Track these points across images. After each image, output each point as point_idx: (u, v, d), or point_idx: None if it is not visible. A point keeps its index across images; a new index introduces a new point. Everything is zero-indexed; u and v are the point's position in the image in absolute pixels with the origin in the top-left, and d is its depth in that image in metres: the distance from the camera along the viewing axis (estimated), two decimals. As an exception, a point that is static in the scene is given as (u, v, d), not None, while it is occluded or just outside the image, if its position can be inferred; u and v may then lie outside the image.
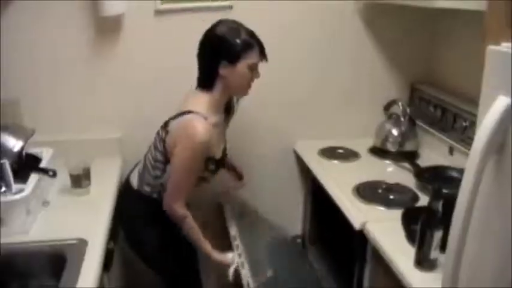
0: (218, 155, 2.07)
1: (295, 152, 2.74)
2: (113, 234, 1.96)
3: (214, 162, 2.04)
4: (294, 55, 2.59)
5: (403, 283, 1.56)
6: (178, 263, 2.18)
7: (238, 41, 1.89)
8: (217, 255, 2.05)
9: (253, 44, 1.92)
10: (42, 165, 2.04)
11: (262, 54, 1.96)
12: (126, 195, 2.15)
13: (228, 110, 2.14)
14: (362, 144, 2.65)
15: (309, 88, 2.67)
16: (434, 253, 1.54)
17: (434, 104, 2.51)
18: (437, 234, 1.51)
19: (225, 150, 2.15)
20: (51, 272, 1.71)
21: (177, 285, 2.21)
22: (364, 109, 2.73)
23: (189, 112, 1.90)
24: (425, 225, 1.54)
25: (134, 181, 2.09)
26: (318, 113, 2.72)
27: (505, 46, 1.05)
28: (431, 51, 2.68)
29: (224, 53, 1.90)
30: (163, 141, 1.94)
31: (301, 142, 2.72)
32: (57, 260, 1.66)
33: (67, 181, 2.11)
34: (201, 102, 1.95)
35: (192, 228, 2.02)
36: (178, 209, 1.97)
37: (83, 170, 2.10)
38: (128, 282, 2.62)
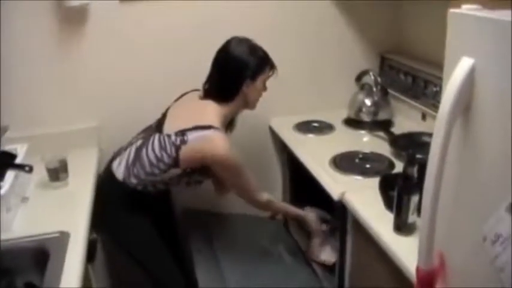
0: None
1: (270, 129, 2.76)
2: (94, 225, 1.96)
3: None
4: (263, 31, 2.58)
5: (383, 249, 1.60)
6: (163, 257, 2.17)
7: (258, 58, 2.04)
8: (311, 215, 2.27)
9: (268, 59, 2.07)
10: (18, 161, 2.01)
11: (274, 69, 2.11)
12: (108, 186, 2.12)
13: (230, 124, 2.20)
14: (336, 117, 2.67)
15: (279, 64, 2.66)
16: (412, 217, 1.57)
17: (404, 72, 2.54)
18: (414, 199, 1.54)
19: None
20: (35, 267, 1.70)
21: (162, 281, 2.20)
22: (336, 81, 2.74)
23: (210, 127, 1.94)
24: (402, 191, 1.57)
25: (119, 172, 2.06)
26: (291, 88, 2.72)
27: (465, 8, 1.07)
28: (399, 19, 2.70)
29: (250, 68, 2.01)
30: (178, 148, 1.94)
31: (276, 118, 2.73)
32: (41, 255, 1.66)
33: (44, 175, 2.09)
34: (216, 114, 2.02)
35: (279, 204, 2.27)
36: (260, 200, 2.14)
37: (59, 163, 2.09)
38: (113, 272, 2.62)
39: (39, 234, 1.74)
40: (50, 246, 1.67)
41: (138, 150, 2.03)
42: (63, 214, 1.89)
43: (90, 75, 2.42)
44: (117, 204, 2.09)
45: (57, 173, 2.09)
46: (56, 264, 1.58)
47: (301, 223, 2.35)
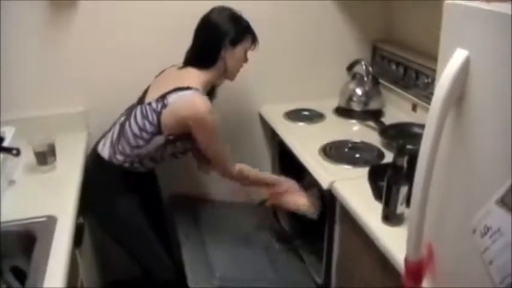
0: None
1: (260, 116, 2.75)
2: (82, 209, 1.95)
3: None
4: (253, 18, 2.56)
5: (371, 239, 1.60)
6: (150, 242, 2.17)
7: (241, 24, 2.03)
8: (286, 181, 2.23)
9: (249, 29, 2.06)
10: (5, 144, 1.99)
11: (256, 42, 2.08)
12: (95, 167, 2.12)
13: (210, 94, 2.16)
14: (327, 106, 2.67)
15: (271, 52, 2.65)
16: (400, 208, 1.57)
17: (396, 62, 2.54)
18: (403, 190, 1.55)
19: None
20: (22, 252, 1.69)
21: (150, 266, 2.21)
22: (328, 70, 2.74)
23: (188, 88, 1.93)
24: (391, 181, 1.57)
25: (104, 151, 2.06)
26: (282, 76, 2.71)
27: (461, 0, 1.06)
28: (391, 9, 2.69)
29: (230, 34, 1.99)
30: (159, 113, 1.93)
31: (266, 106, 2.72)
32: (28, 239, 1.65)
33: (32, 159, 2.07)
34: (197, 78, 2.00)
35: (251, 171, 2.17)
36: (232, 172, 2.10)
37: (47, 147, 2.07)
38: (100, 256, 2.62)
39: (26, 218, 1.72)
40: (37, 231, 1.66)
41: (122, 126, 2.04)
42: (50, 198, 1.87)
43: (78, 59, 2.39)
44: (103, 186, 2.09)
45: (45, 156, 2.07)
46: (43, 248, 1.57)
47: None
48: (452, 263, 1.17)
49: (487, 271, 1.01)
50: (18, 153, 1.94)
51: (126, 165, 2.03)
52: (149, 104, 1.97)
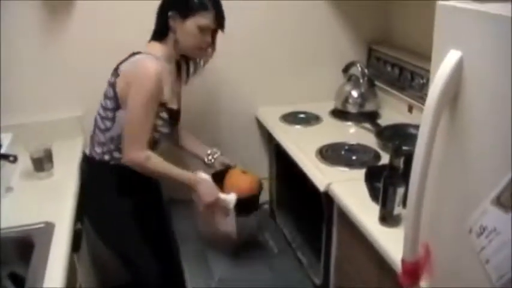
0: (172, 104, 2.05)
1: (257, 119, 2.75)
2: (80, 215, 1.95)
3: (167, 111, 2.00)
4: (250, 20, 2.58)
5: (369, 240, 1.61)
6: (137, 245, 2.11)
7: None
8: (201, 177, 2.03)
9: (207, 6, 1.91)
10: (2, 151, 1.99)
11: (218, 21, 1.94)
12: (83, 167, 2.12)
13: (187, 70, 2.14)
14: (323, 108, 2.68)
15: (267, 54, 2.67)
16: (397, 209, 1.58)
17: (391, 64, 2.55)
18: (400, 191, 1.55)
19: (179, 110, 2.15)
20: (20, 258, 1.69)
21: (138, 270, 2.16)
22: (324, 72, 2.74)
23: (139, 53, 1.92)
24: (388, 182, 1.57)
25: (87, 149, 2.08)
26: (278, 78, 2.72)
27: (454, 0, 1.07)
28: (386, 11, 2.70)
29: (178, 5, 1.91)
30: (114, 85, 1.90)
31: (262, 109, 2.72)
32: (26, 245, 1.65)
33: (29, 165, 2.08)
34: (154, 49, 1.96)
35: (159, 164, 1.94)
36: (138, 153, 1.88)
37: (44, 153, 2.07)
38: (98, 261, 2.61)
39: (24, 225, 1.72)
40: (35, 237, 1.66)
41: (95, 119, 2.03)
42: (48, 204, 1.88)
43: (74, 64, 2.39)
44: (92, 186, 2.07)
45: (42, 162, 2.08)
46: (41, 254, 1.57)
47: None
48: (449, 263, 1.17)
49: (483, 270, 1.01)
50: (15, 159, 1.94)
51: (106, 157, 2.00)
52: (108, 81, 1.96)
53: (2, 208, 1.84)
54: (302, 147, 2.24)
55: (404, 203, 1.49)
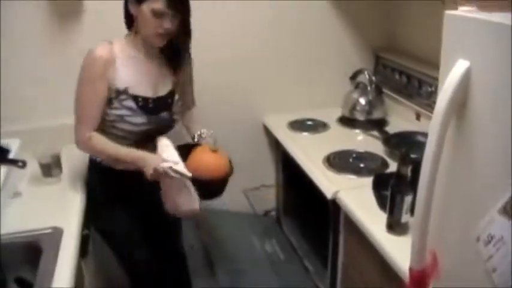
0: (142, 92, 1.92)
1: (264, 126, 2.76)
2: (87, 220, 1.95)
3: (133, 99, 1.90)
4: (257, 28, 2.59)
5: (376, 248, 1.60)
6: (138, 248, 2.07)
7: None
8: (150, 156, 1.87)
9: None
10: (11, 156, 2.01)
11: (169, 4, 1.80)
12: (86, 170, 2.11)
13: (173, 58, 2.02)
14: (331, 115, 2.68)
15: (274, 61, 2.67)
16: (405, 217, 1.57)
17: (399, 71, 2.55)
18: (407, 199, 1.55)
19: (171, 95, 2.02)
20: (28, 263, 1.69)
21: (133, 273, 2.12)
22: (331, 80, 2.75)
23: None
24: (395, 190, 1.57)
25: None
26: (286, 85, 2.73)
27: (462, 10, 1.07)
28: (393, 18, 2.70)
29: None
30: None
31: (270, 116, 2.73)
32: (34, 250, 1.66)
33: (37, 170, 2.09)
34: (121, 38, 1.94)
35: (104, 144, 1.89)
36: (82, 134, 1.87)
37: (52, 158, 2.08)
38: (105, 266, 2.62)
39: (32, 230, 1.73)
40: (43, 242, 1.67)
41: None
42: (56, 210, 1.89)
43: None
44: (93, 190, 2.06)
45: (50, 168, 2.09)
46: (49, 260, 1.58)
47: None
48: (456, 271, 1.17)
49: (490, 279, 1.01)
50: (23, 165, 1.95)
51: (98, 158, 1.99)
52: None
53: (10, 213, 1.85)
54: (309, 154, 2.24)
55: (411, 211, 1.49)
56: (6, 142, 2.08)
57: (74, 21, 2.36)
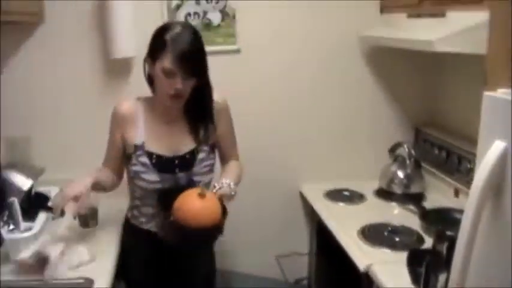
0: (155, 149, 1.90)
1: (301, 194, 2.76)
2: (120, 274, 1.96)
3: (147, 155, 1.89)
4: (298, 95, 2.65)
5: (408, 326, 1.56)
6: None
7: (160, 39, 1.76)
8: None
9: (167, 46, 1.73)
10: (51, 204, 2.06)
11: (177, 63, 1.72)
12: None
13: (194, 119, 1.95)
14: (367, 186, 2.66)
15: (313, 132, 2.71)
16: (439, 296, 1.53)
17: (438, 146, 2.53)
18: (442, 277, 1.51)
19: (191, 154, 1.94)
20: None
21: None
22: (369, 151, 2.75)
23: None
24: (430, 267, 1.54)
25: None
26: (324, 155, 2.75)
27: (500, 92, 1.08)
28: (435, 93, 2.72)
29: (149, 49, 1.82)
30: None
31: (307, 185, 2.74)
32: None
33: (75, 221, 2.12)
34: (149, 95, 1.94)
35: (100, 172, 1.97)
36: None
37: (89, 210, 2.12)
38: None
39: (64, 279, 1.75)
40: (73, 292, 1.68)
41: None
42: (89, 260, 1.91)
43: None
44: (128, 249, 2.07)
45: (87, 219, 2.13)
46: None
47: None
48: None
49: None
50: (62, 213, 1.99)
51: (129, 214, 2.04)
52: None
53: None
54: (345, 225, 2.23)
55: (446, 290, 1.45)
56: (47, 189, 2.14)
57: (122, 77, 2.46)
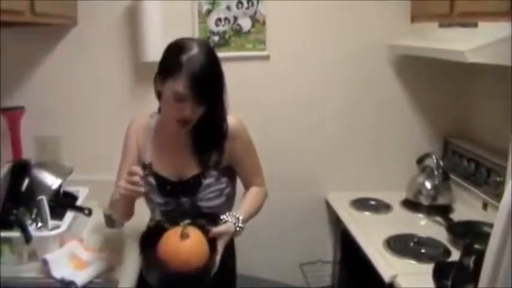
0: (162, 171, 1.83)
1: (326, 202, 2.75)
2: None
3: (154, 177, 1.82)
4: (327, 104, 2.64)
5: None
6: None
7: (174, 58, 1.62)
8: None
9: (178, 71, 1.58)
10: (78, 203, 2.09)
11: (190, 89, 1.58)
12: None
13: (200, 144, 1.82)
14: (394, 197, 2.64)
15: (342, 139, 2.70)
16: (465, 310, 1.51)
17: (467, 158, 2.50)
18: (468, 291, 1.49)
19: (196, 180, 1.82)
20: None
21: None
22: (397, 161, 2.73)
23: None
24: (456, 281, 1.52)
25: None
26: (351, 164, 2.74)
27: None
28: (465, 104, 2.68)
29: (160, 68, 1.70)
30: None
31: (333, 193, 2.73)
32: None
33: (101, 220, 2.14)
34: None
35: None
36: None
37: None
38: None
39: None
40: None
41: None
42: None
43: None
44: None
45: (114, 220, 2.14)
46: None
47: None
48: None
49: None
50: (90, 213, 2.03)
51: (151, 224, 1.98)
52: None
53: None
54: (370, 235, 2.22)
55: (472, 305, 1.43)
56: (76, 189, 2.18)
57: (151, 81, 2.48)
